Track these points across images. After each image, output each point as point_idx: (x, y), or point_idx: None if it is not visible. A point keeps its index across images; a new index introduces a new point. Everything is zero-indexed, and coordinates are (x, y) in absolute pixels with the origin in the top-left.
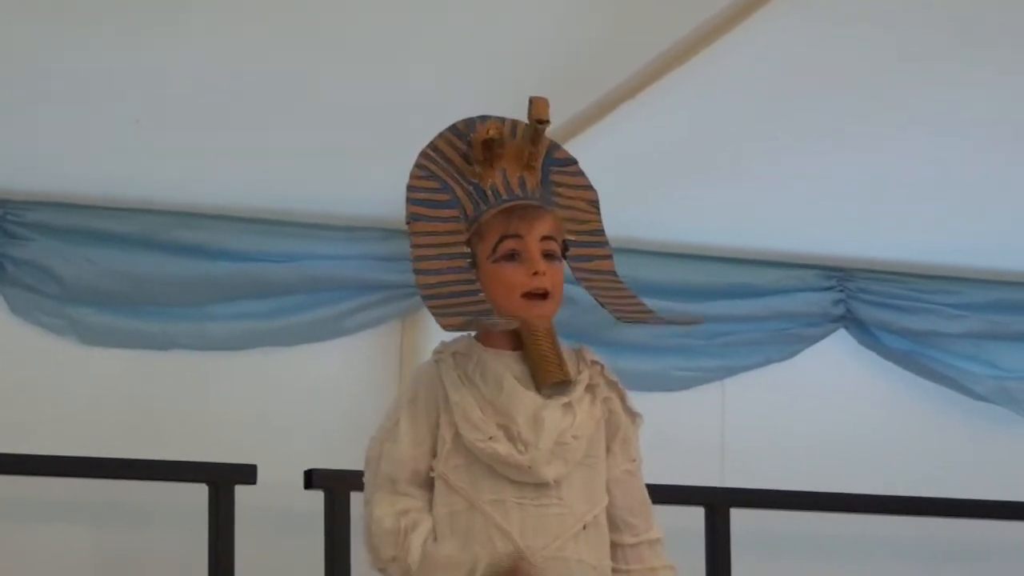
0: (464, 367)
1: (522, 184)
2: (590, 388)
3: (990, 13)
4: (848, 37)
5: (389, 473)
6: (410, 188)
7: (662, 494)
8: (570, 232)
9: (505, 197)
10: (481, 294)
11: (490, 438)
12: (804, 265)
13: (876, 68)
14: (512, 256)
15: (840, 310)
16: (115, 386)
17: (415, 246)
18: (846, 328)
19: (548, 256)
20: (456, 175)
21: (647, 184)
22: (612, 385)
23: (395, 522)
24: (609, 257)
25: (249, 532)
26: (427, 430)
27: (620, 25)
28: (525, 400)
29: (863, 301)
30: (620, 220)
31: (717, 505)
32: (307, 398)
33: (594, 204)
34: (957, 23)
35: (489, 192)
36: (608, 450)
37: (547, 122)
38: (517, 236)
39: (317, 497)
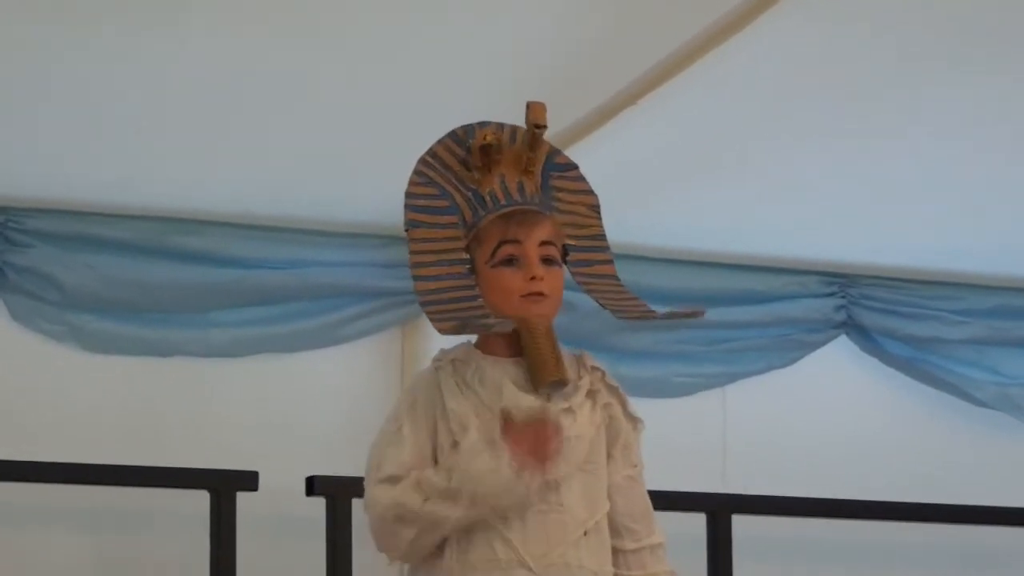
0: (463, 374)
1: (521, 189)
2: (591, 394)
3: (994, 15)
4: (850, 41)
5: (391, 473)
6: (408, 195)
7: (664, 500)
8: (570, 237)
9: (504, 203)
10: (479, 299)
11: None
12: (806, 271)
13: (879, 72)
14: (510, 261)
15: (842, 316)
16: (116, 393)
17: (413, 252)
18: (848, 334)
19: (547, 261)
20: (455, 181)
21: (648, 189)
22: (613, 391)
23: (403, 489)
24: (610, 261)
25: (251, 539)
26: (427, 436)
27: (622, 29)
28: (524, 403)
29: (865, 307)
30: (622, 225)
31: (718, 511)
32: (308, 404)
33: (594, 209)
34: (960, 25)
35: (487, 198)
36: (609, 456)
37: (544, 127)
38: (515, 241)
39: (318, 504)
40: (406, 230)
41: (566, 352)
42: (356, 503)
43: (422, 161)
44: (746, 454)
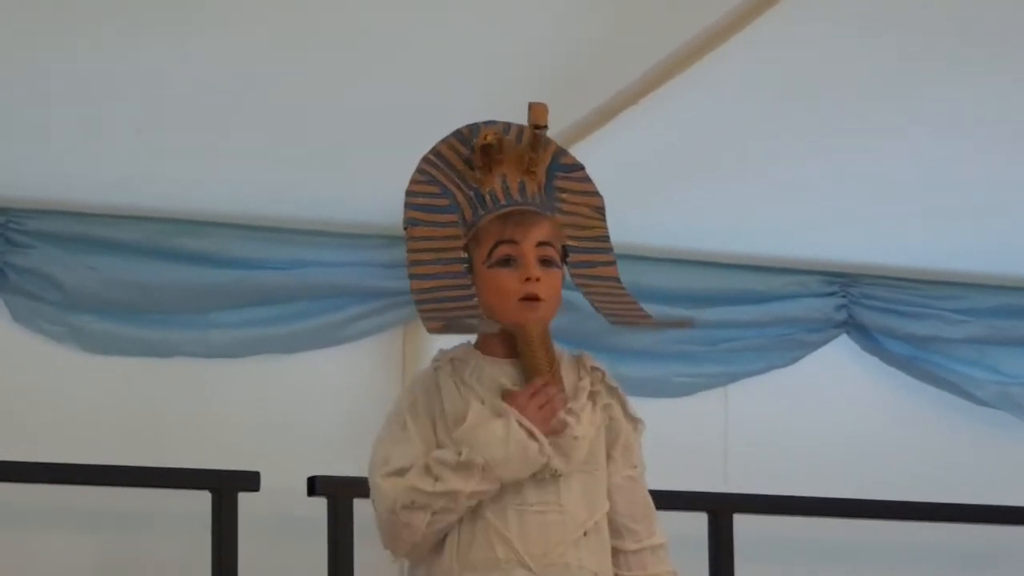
0: (461, 373)
1: (522, 189)
2: (591, 395)
3: (994, 15)
4: (850, 41)
5: (401, 466)
6: (409, 193)
7: (665, 500)
8: (572, 238)
9: (503, 202)
10: (474, 299)
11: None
12: (806, 271)
13: (879, 73)
14: (507, 261)
15: (843, 315)
16: (117, 393)
17: (411, 251)
18: (848, 334)
19: (544, 262)
20: (457, 180)
21: (649, 189)
22: (612, 391)
23: (413, 476)
24: (612, 263)
25: (252, 539)
26: (430, 433)
27: (622, 29)
28: None
29: (866, 306)
30: (622, 225)
31: (720, 511)
32: (309, 405)
33: (599, 210)
34: (961, 25)
35: (488, 197)
36: (609, 457)
37: (544, 127)
38: (512, 242)
39: (320, 504)
40: (405, 228)
41: (566, 353)
42: (358, 503)
43: (425, 159)
44: (747, 453)
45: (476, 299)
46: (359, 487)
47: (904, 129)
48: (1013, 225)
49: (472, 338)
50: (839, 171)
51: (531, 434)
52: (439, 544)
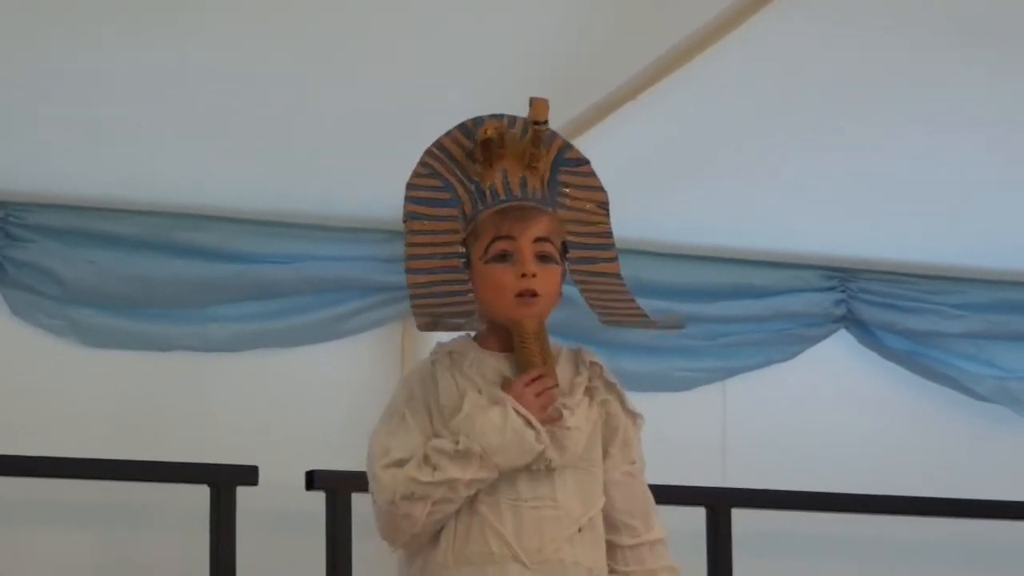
0: (460, 365)
1: (523, 185)
2: (588, 390)
3: (989, 13)
4: (848, 38)
5: (400, 457)
6: (410, 186)
7: (663, 494)
8: (573, 233)
9: (503, 198)
10: (469, 295)
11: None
12: (805, 266)
13: (876, 68)
14: (504, 257)
15: (841, 310)
16: (116, 387)
17: (409, 244)
18: (847, 328)
19: (542, 258)
20: (459, 174)
21: (647, 185)
22: (611, 387)
23: (412, 467)
24: (615, 260)
25: (250, 533)
26: (427, 426)
27: (621, 27)
28: None
29: (864, 301)
30: (620, 221)
31: (718, 505)
32: (308, 399)
33: (603, 206)
34: (956, 23)
35: (488, 192)
36: (607, 453)
37: (542, 123)
38: (509, 237)
39: (318, 498)
40: (404, 221)
41: (565, 348)
42: (356, 497)
43: (428, 152)
44: (746, 448)
45: (471, 294)
46: (358, 481)
47: (904, 124)
48: (1011, 221)
49: (471, 331)
50: (838, 167)
51: (528, 422)
52: (435, 537)
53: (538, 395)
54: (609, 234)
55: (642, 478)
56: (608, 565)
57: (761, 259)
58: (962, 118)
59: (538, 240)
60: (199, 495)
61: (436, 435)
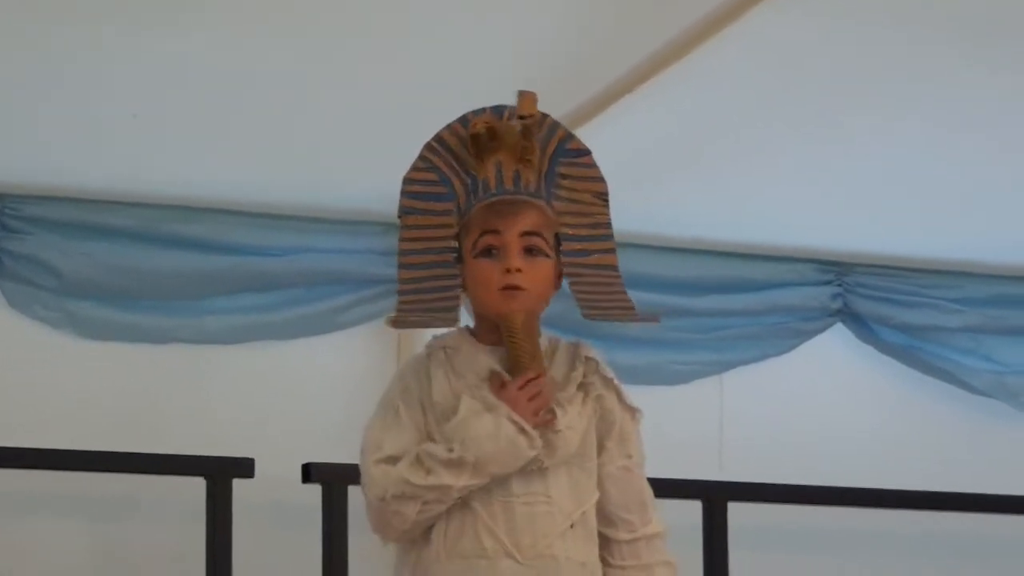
0: (453, 361)
1: (516, 178)
2: (582, 386)
3: (986, 8)
4: (846, 31)
5: (392, 453)
6: (406, 181)
7: (659, 488)
8: (569, 225)
9: (493, 191)
10: (455, 290)
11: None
12: (802, 259)
13: (874, 62)
14: (490, 251)
15: (838, 304)
16: (112, 380)
17: (402, 240)
18: (843, 322)
19: (529, 251)
20: (457, 167)
21: (645, 178)
22: (607, 382)
23: (405, 466)
24: (612, 251)
25: (246, 526)
26: (421, 420)
27: (619, 20)
28: None
29: (861, 295)
30: (618, 214)
31: (714, 499)
32: (305, 392)
33: (601, 196)
34: (954, 17)
35: (480, 186)
36: (603, 447)
37: (528, 117)
38: (495, 232)
39: (315, 491)
40: (399, 216)
41: (563, 341)
42: (352, 490)
43: (427, 146)
44: (742, 441)
45: (458, 290)
46: (354, 474)
47: (901, 118)
48: (1008, 215)
49: (468, 323)
50: (835, 160)
51: (521, 429)
52: (427, 532)
53: (531, 399)
54: (606, 225)
55: (640, 472)
56: (605, 559)
57: (758, 252)
58: (960, 112)
59: (525, 234)
60: (195, 487)
61: (429, 432)
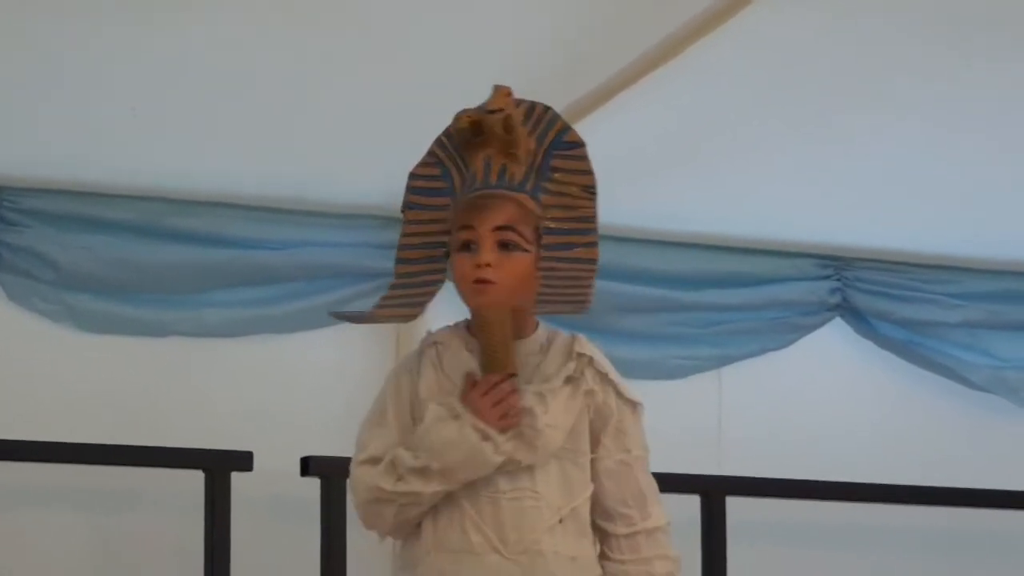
0: (443, 358)
1: (502, 173)
2: (570, 380)
3: (984, 5)
4: (843, 27)
5: (374, 455)
6: (411, 175)
7: (658, 482)
8: (555, 219)
9: (478, 186)
10: (435, 286)
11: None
12: (801, 254)
13: (872, 58)
14: (467, 246)
15: (837, 299)
16: (111, 373)
17: (403, 234)
18: (842, 317)
19: (504, 246)
20: (459, 162)
21: (644, 173)
22: (601, 377)
23: (380, 471)
24: (594, 244)
25: (245, 519)
26: (407, 418)
27: (617, 16)
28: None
29: (860, 290)
30: (616, 209)
31: (713, 493)
32: (303, 385)
33: (588, 189)
34: (952, 14)
35: (469, 180)
36: (599, 442)
37: (497, 111)
38: (470, 227)
39: (313, 484)
40: (401, 211)
41: (561, 335)
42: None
43: (437, 140)
44: (740, 436)
45: (437, 285)
46: None
47: (900, 114)
48: (1007, 210)
49: (463, 316)
50: (834, 155)
51: (485, 436)
52: (418, 525)
53: (496, 404)
54: (592, 219)
55: (640, 466)
56: (605, 554)
57: (757, 247)
58: (958, 108)
59: (499, 228)
60: (194, 480)
61: (416, 427)
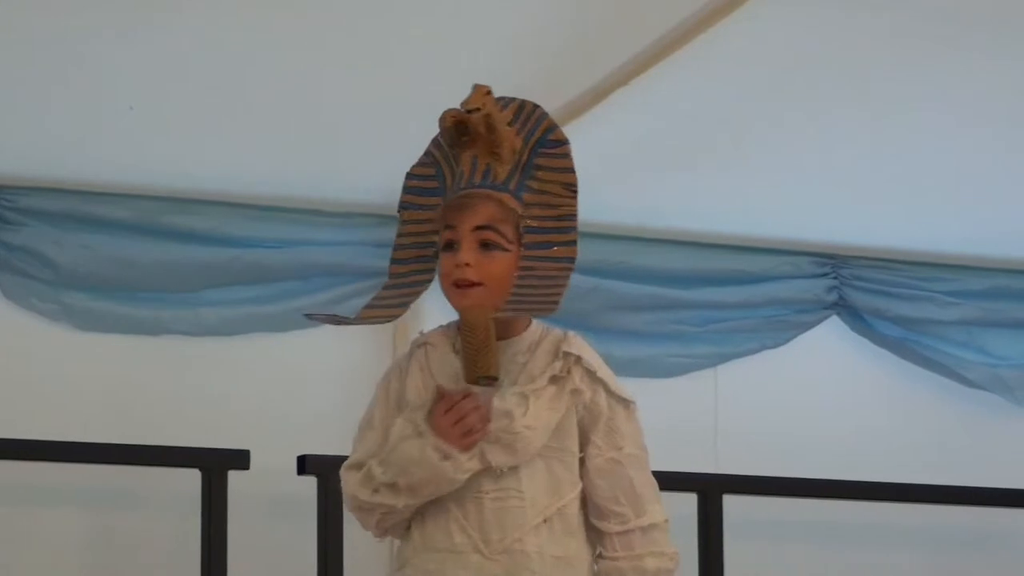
0: (431, 359)
1: (486, 172)
2: (556, 379)
3: (984, 2)
4: (843, 25)
5: (357, 460)
6: (407, 175)
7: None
8: (536, 218)
9: (463, 185)
10: (422, 286)
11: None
12: (797, 252)
13: (870, 56)
14: (450, 246)
15: (833, 297)
16: (108, 371)
17: (398, 234)
18: (839, 315)
19: (485, 246)
20: (452, 161)
21: (641, 170)
22: (590, 376)
23: (358, 480)
24: (573, 243)
25: (242, 518)
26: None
27: (612, 15)
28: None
29: (856, 288)
30: (613, 207)
31: (710, 491)
32: (300, 384)
33: (570, 188)
34: (954, 10)
35: (456, 180)
36: (589, 440)
37: (473, 111)
38: (451, 227)
39: (310, 483)
40: (398, 211)
41: (553, 332)
42: None
43: (433, 140)
44: (737, 434)
45: (424, 286)
46: None
47: (897, 111)
48: (1005, 208)
49: (451, 318)
50: (830, 153)
51: (445, 455)
52: (409, 524)
53: (456, 422)
54: (572, 217)
55: (634, 464)
56: (601, 552)
57: (753, 245)
58: (956, 105)
59: (479, 228)
60: (191, 479)
61: None
